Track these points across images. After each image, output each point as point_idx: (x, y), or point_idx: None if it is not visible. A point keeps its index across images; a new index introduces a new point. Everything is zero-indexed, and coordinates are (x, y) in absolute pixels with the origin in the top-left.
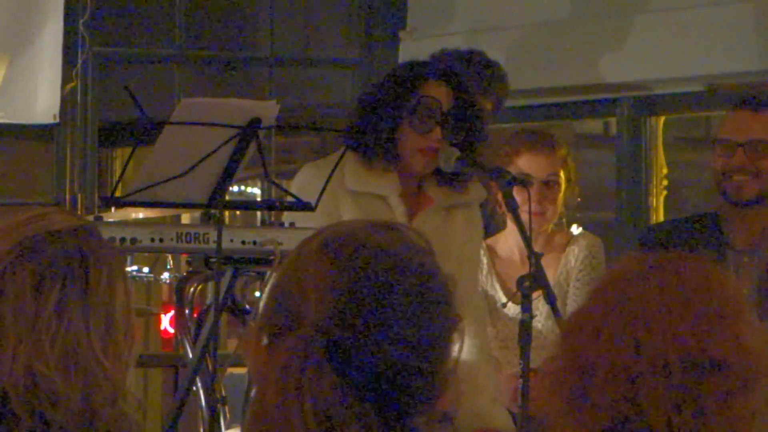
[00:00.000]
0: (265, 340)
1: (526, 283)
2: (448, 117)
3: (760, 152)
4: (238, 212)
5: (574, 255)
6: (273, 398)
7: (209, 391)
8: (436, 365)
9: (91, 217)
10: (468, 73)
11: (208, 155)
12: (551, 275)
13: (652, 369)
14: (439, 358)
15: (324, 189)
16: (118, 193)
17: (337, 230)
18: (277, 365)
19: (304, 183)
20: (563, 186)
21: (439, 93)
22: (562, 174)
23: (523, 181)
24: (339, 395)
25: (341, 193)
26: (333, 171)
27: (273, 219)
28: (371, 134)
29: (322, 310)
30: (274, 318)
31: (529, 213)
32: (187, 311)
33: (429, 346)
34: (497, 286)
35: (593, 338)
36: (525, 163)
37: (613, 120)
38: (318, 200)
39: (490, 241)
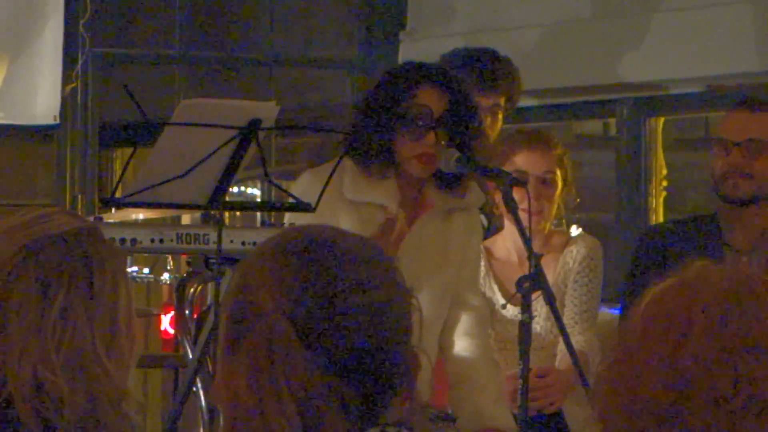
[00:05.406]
0: (230, 334)
1: (526, 284)
2: (441, 122)
3: (756, 152)
4: (238, 213)
5: (572, 256)
6: (244, 387)
7: (209, 391)
8: (399, 340)
9: (91, 218)
10: (486, 67)
11: (208, 156)
12: (550, 276)
13: (752, 409)
14: (399, 331)
15: (322, 193)
16: (118, 194)
17: (291, 231)
18: (244, 353)
19: (302, 190)
20: (560, 185)
21: (431, 98)
22: (558, 173)
23: (523, 181)
24: (312, 369)
25: (340, 204)
26: (331, 176)
27: (273, 220)
28: (367, 141)
29: (282, 297)
30: (237, 312)
31: (529, 212)
32: (187, 312)
33: (388, 322)
34: (495, 288)
35: (693, 363)
36: (521, 160)
37: (612, 121)
38: (317, 203)
39: (487, 243)
